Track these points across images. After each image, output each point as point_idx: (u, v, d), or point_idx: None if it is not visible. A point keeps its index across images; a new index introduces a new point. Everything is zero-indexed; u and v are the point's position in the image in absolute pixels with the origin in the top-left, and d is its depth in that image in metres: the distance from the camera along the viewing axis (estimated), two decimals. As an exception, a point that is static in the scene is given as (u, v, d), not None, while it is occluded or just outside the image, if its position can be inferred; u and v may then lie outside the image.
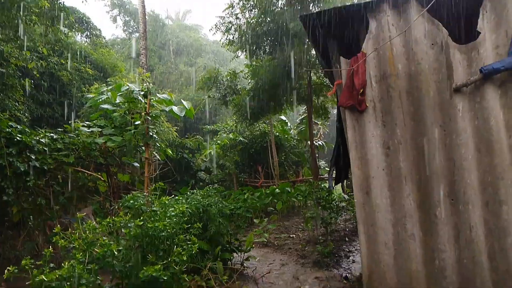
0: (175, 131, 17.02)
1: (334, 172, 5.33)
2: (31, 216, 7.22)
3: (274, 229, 10.30)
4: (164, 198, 5.04)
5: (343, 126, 4.13)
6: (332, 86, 5.23)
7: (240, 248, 6.47)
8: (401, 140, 3.84)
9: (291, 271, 6.60)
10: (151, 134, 7.42)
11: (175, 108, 8.66)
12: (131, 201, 4.85)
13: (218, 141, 17.20)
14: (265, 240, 8.97)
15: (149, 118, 7.27)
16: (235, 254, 6.40)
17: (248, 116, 13.45)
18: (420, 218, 3.70)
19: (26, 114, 11.74)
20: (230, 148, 17.02)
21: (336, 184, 5.64)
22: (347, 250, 7.86)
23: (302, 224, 10.50)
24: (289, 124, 19.89)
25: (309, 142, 15.43)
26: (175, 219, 4.97)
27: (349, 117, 4.06)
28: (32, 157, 6.62)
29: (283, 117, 18.32)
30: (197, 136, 18.58)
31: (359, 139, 3.97)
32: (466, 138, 3.69)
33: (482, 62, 3.70)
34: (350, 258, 7.24)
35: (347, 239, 8.81)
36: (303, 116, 18.99)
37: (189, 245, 4.66)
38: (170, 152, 10.73)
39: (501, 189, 3.54)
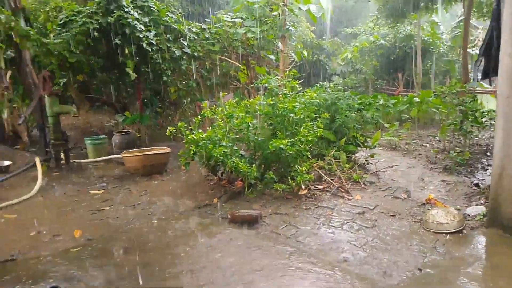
0: (311, 31, 16.71)
1: (482, 62, 4.71)
2: (184, 100, 8.49)
3: (405, 135, 9.94)
4: (294, 81, 5.30)
5: (500, 8, 3.50)
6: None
7: (365, 144, 6.54)
8: None
9: (417, 173, 6.49)
10: (287, 26, 7.56)
11: (312, 7, 8.43)
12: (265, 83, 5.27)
13: (357, 44, 16.34)
14: (394, 143, 8.80)
15: (286, 9, 7.33)
16: (359, 152, 6.52)
17: (392, 12, 12.18)
18: None
19: (180, 10, 12.97)
20: (369, 52, 16.08)
21: (483, 78, 4.98)
22: (486, 163, 7.22)
23: (438, 136, 9.85)
24: (441, 27, 17.46)
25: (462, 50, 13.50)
26: (304, 105, 5.27)
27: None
28: (185, 44, 7.53)
29: (435, 18, 16.10)
30: (335, 38, 17.95)
31: (518, 19, 3.37)
32: None
33: None
34: (488, 171, 6.68)
35: (488, 153, 8.03)
36: (460, 19, 16.37)
37: (315, 130, 4.97)
38: (305, 54, 10.76)
39: None
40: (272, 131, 5.20)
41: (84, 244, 3.49)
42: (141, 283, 2.62)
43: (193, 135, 4.77)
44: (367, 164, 6.48)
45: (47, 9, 8.62)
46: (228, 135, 4.98)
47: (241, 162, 4.55)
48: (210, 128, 5.05)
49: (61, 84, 7.94)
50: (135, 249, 3.28)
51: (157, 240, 3.47)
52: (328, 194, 4.75)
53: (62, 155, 6.77)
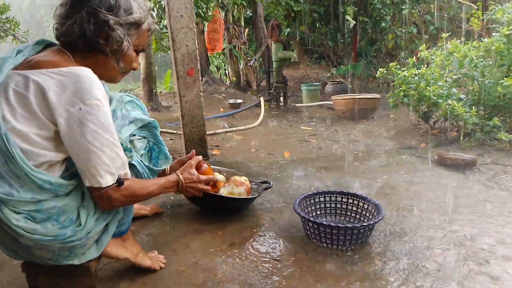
0: None
1: None
2: (402, 51, 7.95)
3: None
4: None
5: None
6: None
7: None
8: None
9: None
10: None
11: None
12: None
13: None
14: None
15: None
16: None
17: None
18: None
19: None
20: None
21: None
22: None
23: None
24: None
25: None
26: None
27: None
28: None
29: None
30: None
31: None
32: None
33: None
34: None
35: None
36: None
37: None
38: None
39: None
40: (504, 73, 4.33)
41: (290, 160, 3.93)
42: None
43: (404, 73, 4.50)
44: None
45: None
46: (448, 74, 4.46)
47: (458, 105, 4.02)
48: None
49: (285, 34, 8.73)
50: (331, 169, 3.46)
51: (353, 167, 3.55)
52: None
53: (281, 98, 7.62)
